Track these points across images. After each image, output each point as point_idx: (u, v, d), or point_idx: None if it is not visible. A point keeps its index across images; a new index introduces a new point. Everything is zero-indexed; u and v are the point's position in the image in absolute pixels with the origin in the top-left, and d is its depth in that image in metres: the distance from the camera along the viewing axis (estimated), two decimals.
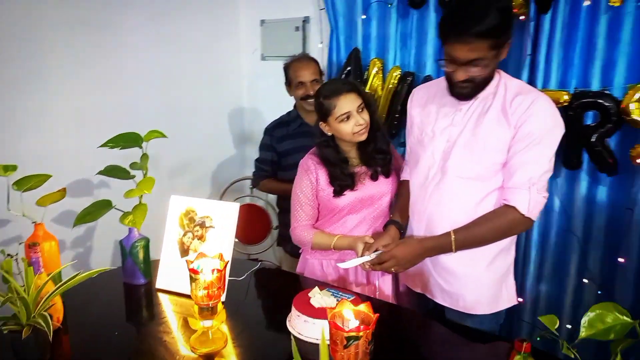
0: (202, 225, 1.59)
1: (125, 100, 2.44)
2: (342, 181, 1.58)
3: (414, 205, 1.54)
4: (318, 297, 1.35)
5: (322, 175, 1.62)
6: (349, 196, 1.60)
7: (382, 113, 2.31)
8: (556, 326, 0.83)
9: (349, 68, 2.43)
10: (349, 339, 0.91)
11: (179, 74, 2.74)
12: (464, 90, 1.40)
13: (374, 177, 1.60)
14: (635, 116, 1.71)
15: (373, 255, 1.46)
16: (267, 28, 2.94)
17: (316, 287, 1.40)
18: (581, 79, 1.87)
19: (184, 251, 1.61)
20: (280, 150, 2.20)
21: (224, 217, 1.56)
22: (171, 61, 2.68)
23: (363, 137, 1.56)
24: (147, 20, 2.50)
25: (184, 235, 1.62)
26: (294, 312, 1.34)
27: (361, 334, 0.91)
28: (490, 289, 1.45)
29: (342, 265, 1.50)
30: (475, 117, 1.41)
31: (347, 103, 1.51)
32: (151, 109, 2.57)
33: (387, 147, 1.61)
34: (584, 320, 0.71)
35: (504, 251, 1.45)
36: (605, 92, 1.79)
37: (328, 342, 0.93)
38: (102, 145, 1.57)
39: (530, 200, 1.33)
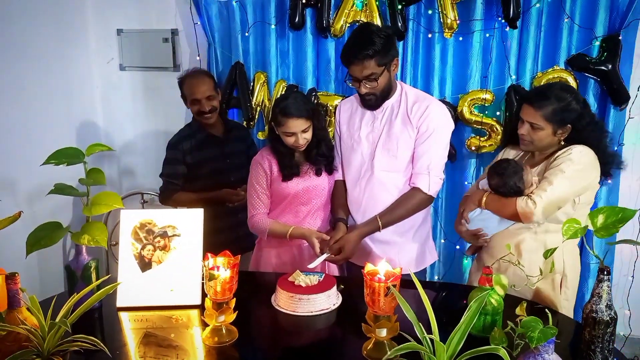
0: (163, 235, 1.60)
1: None
2: (290, 169, 1.82)
3: (351, 197, 1.89)
4: (303, 278, 1.57)
5: (274, 165, 1.84)
6: (297, 184, 1.84)
7: None
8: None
9: (233, 80, 2.60)
10: (389, 288, 1.20)
11: (25, 83, 2.43)
12: (370, 102, 1.82)
13: (318, 173, 1.87)
14: (467, 117, 2.41)
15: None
16: (127, 38, 2.83)
17: (297, 271, 1.60)
18: (426, 91, 2.50)
19: (146, 264, 1.58)
20: (190, 162, 2.23)
21: (189, 224, 1.60)
22: (16, 69, 2.37)
23: (300, 149, 1.83)
24: None
25: (143, 248, 1.59)
26: (284, 294, 1.52)
27: (397, 282, 1.21)
28: (416, 252, 1.89)
29: (311, 265, 1.71)
30: (388, 122, 1.83)
31: (294, 127, 1.75)
32: None
33: (329, 152, 1.90)
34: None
35: (423, 221, 1.92)
36: (445, 100, 2.45)
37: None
38: (45, 163, 1.43)
39: (430, 182, 1.79)
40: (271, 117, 1.83)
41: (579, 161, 1.57)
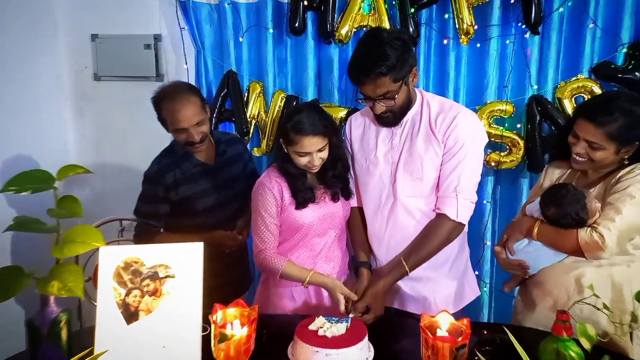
0: (153, 277, 1.29)
1: None
2: (304, 193, 1.55)
3: (372, 229, 1.63)
4: (328, 327, 1.28)
5: (286, 190, 1.56)
6: (312, 212, 1.57)
7: (272, 136, 2.30)
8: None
9: (225, 90, 2.32)
10: (458, 348, 0.93)
11: None
12: (387, 120, 1.58)
13: (335, 199, 1.61)
14: (486, 130, 2.19)
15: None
16: (103, 44, 2.53)
17: (320, 317, 1.32)
18: None
19: (132, 315, 1.27)
20: (177, 199, 1.79)
21: (186, 262, 1.30)
22: None
23: (313, 171, 1.57)
24: None
25: (128, 294, 1.28)
26: (307, 348, 1.23)
27: (466, 342, 0.95)
28: (454, 287, 1.62)
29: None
30: (409, 139, 1.59)
31: (310, 145, 1.49)
32: None
33: (346, 173, 1.64)
34: None
35: (460, 251, 1.65)
36: None
37: None
38: (3, 190, 1.12)
39: (459, 207, 1.53)
40: (280, 133, 1.56)
41: None
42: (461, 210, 1.53)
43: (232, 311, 1.06)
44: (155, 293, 1.28)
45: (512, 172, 2.28)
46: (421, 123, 1.58)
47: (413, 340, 1.45)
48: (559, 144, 1.56)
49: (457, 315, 1.60)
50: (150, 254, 1.30)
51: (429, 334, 0.96)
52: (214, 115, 2.31)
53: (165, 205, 1.80)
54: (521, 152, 2.20)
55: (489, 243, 2.32)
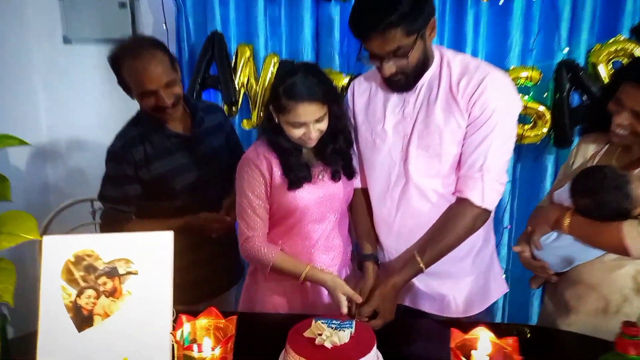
0: (110, 274, 1.05)
1: None
2: (298, 171, 1.31)
3: (380, 215, 1.38)
4: (328, 334, 1.04)
5: (276, 167, 1.32)
6: (308, 194, 1.33)
7: (263, 107, 2.03)
8: None
9: (210, 54, 2.05)
10: None
11: None
12: (398, 84, 1.32)
13: (335, 178, 1.36)
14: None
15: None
16: (72, 3, 2.24)
17: (318, 322, 1.08)
18: None
19: (84, 320, 1.03)
20: (149, 178, 1.53)
21: (152, 255, 1.06)
22: None
23: (309, 145, 1.32)
24: None
25: (80, 295, 1.04)
26: None
27: None
28: (478, 284, 1.39)
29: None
30: (425, 107, 1.32)
31: (305, 114, 1.24)
32: None
33: (348, 148, 1.39)
34: None
35: (485, 241, 1.41)
36: None
37: None
38: None
39: (485, 189, 1.28)
40: (271, 99, 1.30)
41: None
42: (488, 193, 1.28)
43: (203, 323, 0.81)
44: (113, 293, 1.05)
45: (535, 147, 2.02)
46: (440, 88, 1.31)
47: (426, 345, 1.25)
48: (595, 114, 1.30)
49: (480, 317, 1.37)
50: (107, 246, 1.06)
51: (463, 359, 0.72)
52: (197, 82, 2.05)
53: (135, 185, 1.52)
54: (547, 125, 1.94)
55: (508, 226, 2.09)
